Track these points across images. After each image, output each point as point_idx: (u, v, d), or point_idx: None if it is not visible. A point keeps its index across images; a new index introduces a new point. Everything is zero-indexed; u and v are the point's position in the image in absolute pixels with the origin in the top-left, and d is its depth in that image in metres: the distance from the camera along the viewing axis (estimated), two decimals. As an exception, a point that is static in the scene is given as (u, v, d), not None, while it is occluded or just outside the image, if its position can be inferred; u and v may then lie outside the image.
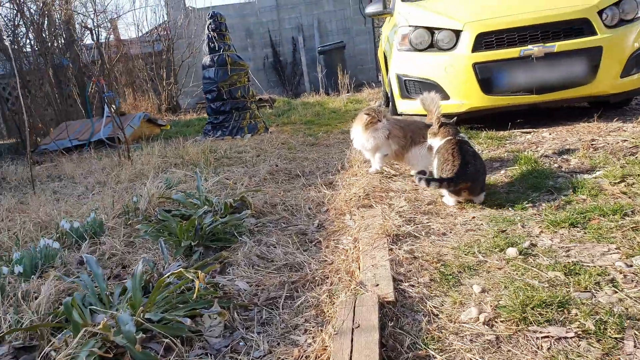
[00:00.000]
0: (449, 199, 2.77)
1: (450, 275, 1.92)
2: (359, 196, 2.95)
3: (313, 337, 1.59)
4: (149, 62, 11.14)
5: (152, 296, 1.58)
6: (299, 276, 2.11)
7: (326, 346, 1.48)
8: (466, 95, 4.53)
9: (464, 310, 1.65)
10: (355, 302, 1.66)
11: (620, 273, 1.75)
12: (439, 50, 4.65)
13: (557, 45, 4.22)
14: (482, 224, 2.42)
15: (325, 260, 2.26)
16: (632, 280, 1.69)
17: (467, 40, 4.45)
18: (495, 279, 1.84)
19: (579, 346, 1.38)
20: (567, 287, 1.70)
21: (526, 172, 3.09)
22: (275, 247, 2.46)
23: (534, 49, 4.25)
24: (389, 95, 5.67)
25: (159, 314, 1.54)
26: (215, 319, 1.66)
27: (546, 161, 3.31)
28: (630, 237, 2.02)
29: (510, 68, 4.36)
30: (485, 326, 1.53)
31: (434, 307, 1.70)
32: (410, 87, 4.88)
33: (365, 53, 13.40)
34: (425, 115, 4.69)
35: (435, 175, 2.90)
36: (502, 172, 3.26)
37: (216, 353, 1.55)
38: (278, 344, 1.60)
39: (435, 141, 3.02)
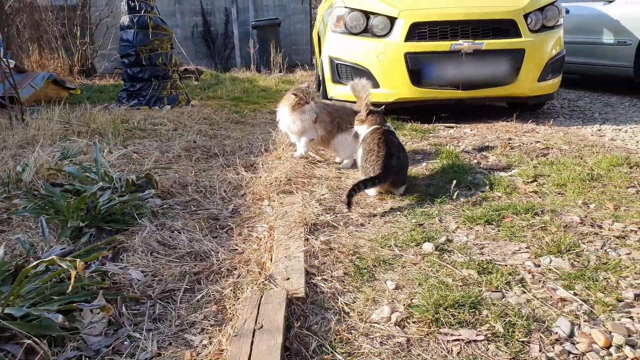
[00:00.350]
0: (370, 189, 2.70)
1: (365, 269, 1.83)
2: (280, 181, 2.80)
3: (210, 338, 1.43)
4: (60, 17, 10.14)
5: (14, 287, 1.33)
6: (203, 266, 1.93)
7: (222, 349, 1.33)
8: (396, 85, 4.51)
9: (376, 309, 1.56)
10: (260, 299, 1.52)
11: (529, 273, 1.76)
12: (373, 36, 4.58)
13: (486, 43, 4.30)
14: (400, 216, 2.36)
15: (236, 250, 2.09)
16: (540, 281, 1.70)
17: (401, 28, 4.41)
18: (410, 275, 1.78)
19: (487, 350, 1.34)
20: (479, 287, 1.67)
21: (447, 166, 3.10)
22: (180, 233, 2.25)
23: (464, 44, 4.29)
24: (321, 78, 5.54)
25: (24, 309, 1.30)
26: (98, 313, 1.44)
27: (466, 157, 3.34)
28: (539, 236, 2.05)
29: (440, 61, 4.38)
30: (397, 327, 1.46)
31: (345, 304, 1.60)
32: (342, 71, 4.77)
33: (301, 33, 13.14)
34: (355, 102, 4.64)
35: (358, 163, 2.82)
36: (424, 164, 3.25)
37: (93, 355, 1.34)
38: (169, 344, 1.42)
39: (362, 128, 2.94)
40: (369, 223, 2.29)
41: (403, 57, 4.39)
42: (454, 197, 2.56)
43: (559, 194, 2.55)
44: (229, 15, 12.84)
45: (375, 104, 3.09)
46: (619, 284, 1.64)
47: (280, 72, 10.50)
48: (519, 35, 4.36)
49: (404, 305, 1.56)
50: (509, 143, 3.59)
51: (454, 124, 4.50)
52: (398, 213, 2.41)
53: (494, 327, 1.42)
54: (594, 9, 6.06)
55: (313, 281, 1.73)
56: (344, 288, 1.71)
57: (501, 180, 2.78)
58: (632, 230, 2.04)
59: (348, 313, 1.56)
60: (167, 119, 5.25)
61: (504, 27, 4.37)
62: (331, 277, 1.77)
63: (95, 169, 2.74)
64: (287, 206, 2.45)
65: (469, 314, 1.49)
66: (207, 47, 12.92)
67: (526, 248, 1.95)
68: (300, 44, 13.36)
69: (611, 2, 5.87)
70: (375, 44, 4.54)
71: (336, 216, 2.35)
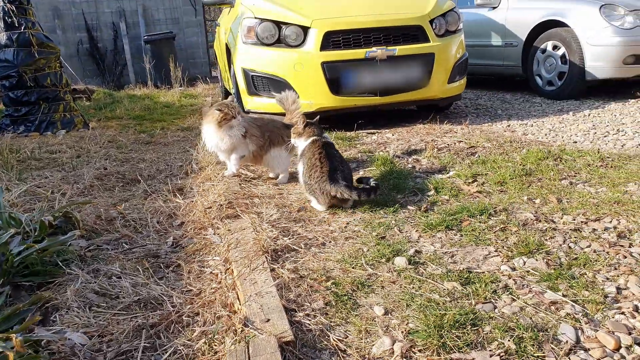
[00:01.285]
0: (318, 205, 2.54)
1: (344, 295, 1.67)
2: (220, 204, 2.53)
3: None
4: None
5: None
6: (159, 316, 1.63)
7: None
8: (315, 94, 4.40)
9: (374, 342, 1.41)
10: (248, 352, 1.29)
11: (509, 278, 1.71)
12: (287, 46, 4.44)
13: (398, 49, 4.36)
14: (359, 230, 2.23)
15: (191, 291, 1.81)
16: (523, 285, 1.66)
17: (315, 37, 4.32)
18: (394, 296, 1.65)
19: (508, 372, 1.24)
20: (468, 299, 1.59)
21: (385, 172, 3.04)
22: (119, 278, 1.91)
23: (378, 51, 4.31)
24: (235, 92, 5.28)
25: None
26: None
27: (399, 161, 3.32)
28: (503, 238, 2.03)
29: (357, 69, 4.36)
30: (405, 360, 1.31)
31: (338, 340, 1.43)
32: (259, 83, 4.57)
33: (197, 46, 12.64)
34: (277, 114, 4.45)
35: (301, 179, 2.65)
36: (361, 172, 3.17)
37: None
38: None
39: (300, 141, 2.78)
40: (330, 241, 2.13)
41: (320, 67, 4.31)
42: (403, 204, 2.49)
43: (502, 191, 2.59)
44: (117, 30, 11.99)
45: (308, 115, 2.95)
46: (596, 279, 1.65)
47: (180, 86, 9.99)
48: (427, 40, 4.49)
49: (402, 332, 1.43)
50: (435, 145, 3.63)
51: (375, 130, 4.51)
52: (355, 227, 2.27)
53: (504, 344, 1.33)
54: (482, 15, 6.49)
55: (296, 319, 1.53)
56: (331, 321, 1.53)
57: (442, 182, 2.77)
58: (582, 222, 2.10)
59: (345, 351, 1.38)
60: (66, 145, 4.66)
61: (413, 33, 4.47)
62: (313, 310, 1.58)
63: (-2, 212, 2.26)
64: (237, 233, 2.20)
65: (473, 332, 1.39)
66: (96, 65, 11.95)
67: (495, 251, 1.92)
68: (197, 56, 12.85)
69: (495, 8, 6.32)
70: (290, 54, 4.41)
71: (294, 238, 2.15)
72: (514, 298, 1.58)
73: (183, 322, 1.60)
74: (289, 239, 2.13)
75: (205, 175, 3.20)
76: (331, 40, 4.33)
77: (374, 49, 4.32)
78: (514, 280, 1.69)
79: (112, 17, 11.94)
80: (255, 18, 4.51)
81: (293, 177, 3.17)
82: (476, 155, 3.28)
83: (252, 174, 3.30)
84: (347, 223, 2.34)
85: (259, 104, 4.60)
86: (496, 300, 1.58)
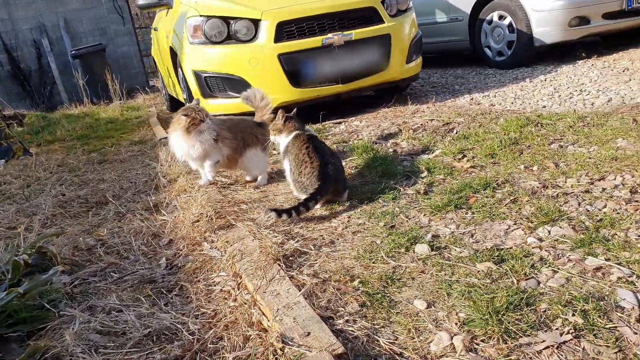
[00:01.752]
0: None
1: (377, 293, 1.56)
2: (208, 216, 2.34)
3: None
4: None
5: None
6: (179, 348, 1.46)
7: None
8: (275, 89, 4.22)
9: (429, 339, 1.31)
10: (305, 373, 1.15)
11: (541, 249, 1.66)
12: (239, 42, 4.24)
13: (354, 33, 4.27)
14: (364, 223, 2.13)
15: (205, 313, 1.64)
16: (559, 255, 1.61)
17: (267, 30, 4.15)
18: (429, 287, 1.56)
19: (584, 349, 1.18)
20: (508, 278, 1.52)
21: (369, 160, 2.95)
22: (120, 312, 1.70)
23: (334, 37, 4.21)
24: (186, 96, 5.01)
25: None
26: None
27: (380, 147, 3.24)
28: (516, 209, 1.99)
29: (315, 58, 4.23)
30: (472, 354, 1.22)
31: (390, 343, 1.32)
32: (213, 84, 4.35)
33: (130, 56, 12.04)
34: (238, 115, 4.25)
35: (289, 177, 2.51)
36: (344, 163, 3.06)
37: None
38: None
39: (281, 138, 2.63)
40: (338, 239, 2.01)
41: (277, 59, 4.15)
42: (400, 189, 2.41)
43: (495, 163, 2.56)
44: (40, 48, 11.21)
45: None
46: (629, 237, 1.63)
47: (120, 99, 9.48)
48: (381, 21, 4.42)
49: (456, 324, 1.33)
50: (409, 126, 3.58)
51: (340, 119, 4.41)
52: (359, 220, 2.17)
53: (568, 320, 1.27)
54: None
55: (337, 327, 1.40)
56: (374, 324, 1.41)
57: (432, 162, 2.71)
58: (588, 183, 2.10)
59: (402, 354, 1.27)
60: (10, 175, 4.25)
61: (367, 15, 4.39)
62: (349, 315, 1.46)
63: (-42, 260, 1.97)
64: (237, 243, 2.04)
65: (531, 312, 1.32)
66: (22, 87, 11.13)
67: (514, 224, 1.87)
68: (131, 67, 12.25)
69: (436, -15, 6.37)
70: (243, 49, 4.22)
71: (300, 241, 2.01)
72: (555, 270, 1.52)
73: (209, 350, 1.43)
74: (296, 242, 1.99)
75: (179, 187, 2.98)
76: (285, 30, 4.17)
77: (330, 35, 4.21)
78: (546, 251, 1.64)
79: (32, 33, 11.15)
80: (201, 16, 4.28)
81: (271, 178, 3.02)
82: (455, 131, 3.25)
83: (228, 180, 3.12)
84: (349, 217, 2.23)
85: (216, 105, 4.38)
86: (537, 274, 1.52)
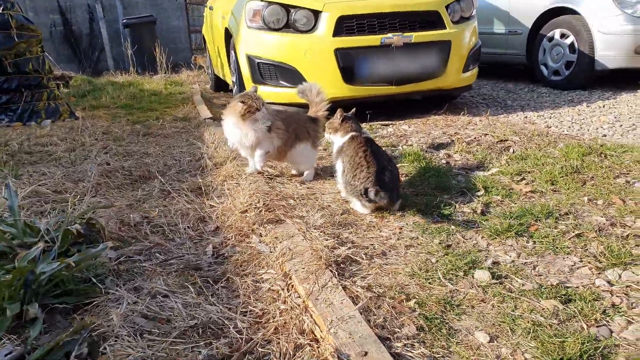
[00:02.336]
0: (362, 208, 2.34)
1: (435, 318, 1.48)
2: (257, 207, 2.30)
3: None
4: None
5: None
6: (226, 346, 1.41)
7: None
8: (327, 83, 4.12)
9: (495, 377, 1.23)
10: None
11: (612, 294, 1.56)
12: (297, 32, 4.18)
13: (414, 36, 4.16)
14: (417, 237, 2.05)
15: (253, 312, 1.59)
16: (632, 305, 1.50)
17: (327, 22, 4.07)
18: (490, 318, 1.47)
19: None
20: (577, 321, 1.42)
21: (421, 169, 2.86)
22: (166, 297, 1.67)
23: (394, 37, 4.10)
24: (236, 79, 4.99)
25: None
26: None
27: (430, 157, 3.14)
28: (582, 245, 1.88)
29: (372, 56, 4.14)
30: (543, 403, 1.14)
31: (451, 376, 1.24)
32: (265, 71, 4.30)
33: (178, 30, 12.14)
34: (285, 104, 4.20)
35: (340, 178, 2.44)
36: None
37: None
38: None
39: (336, 138, 2.57)
40: (390, 251, 1.94)
41: (333, 54, 4.07)
42: (455, 206, 2.32)
43: (555, 191, 2.44)
44: (93, 13, 11.38)
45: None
46: None
47: (165, 73, 9.55)
48: (443, 26, 4.29)
49: (524, 364, 1.25)
50: (463, 139, 3.46)
51: (388, 122, 4.31)
52: (411, 233, 2.09)
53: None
54: (484, 1, 6.33)
55: (395, 350, 1.33)
56: (433, 352, 1.34)
57: (488, 181, 2.61)
58: (661, 226, 1.97)
59: (465, 389, 1.20)
60: (57, 137, 4.31)
61: (430, 19, 4.27)
62: (407, 338, 1.39)
63: (12, 219, 1.97)
64: (286, 240, 1.98)
65: (606, 364, 1.23)
66: (71, 49, 11.34)
67: (581, 262, 1.76)
68: (179, 42, 12.35)
69: (498, -6, 6.17)
70: (300, 40, 4.15)
71: (351, 247, 1.95)
72: (630, 320, 1.42)
73: (257, 353, 1.38)
74: (347, 248, 1.92)
75: (225, 172, 2.94)
76: (344, 25, 4.09)
77: (389, 35, 4.11)
78: (618, 297, 1.54)
79: (86, -2, 11.33)
80: (262, 1, 4.22)
81: (317, 174, 2.96)
82: (511, 150, 3.13)
83: (274, 171, 3.07)
84: (400, 228, 2.15)
85: (266, 93, 4.33)
86: (609, 322, 1.42)
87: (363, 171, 2.28)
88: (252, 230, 2.15)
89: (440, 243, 1.96)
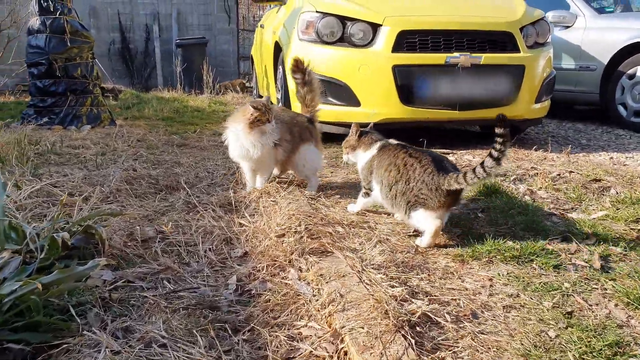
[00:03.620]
0: (429, 215, 1.79)
1: None
2: (297, 232, 1.75)
3: None
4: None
5: None
6: None
7: None
8: (381, 103, 3.65)
9: None
10: None
11: None
12: (352, 46, 3.70)
13: (484, 57, 3.60)
14: (517, 295, 1.44)
15: (286, 390, 1.02)
16: None
17: (387, 37, 3.58)
18: None
19: None
20: None
21: (502, 205, 2.24)
22: (163, 348, 1.13)
23: (460, 57, 3.56)
24: (282, 95, 4.55)
25: None
26: None
27: (511, 191, 2.53)
28: None
29: (434, 77, 3.60)
30: None
31: None
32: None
33: (228, 54, 12.04)
34: (335, 124, 3.70)
35: (383, 196, 1.95)
36: (463, 201, 2.37)
37: None
38: None
39: (358, 155, 2.13)
40: (483, 312, 1.34)
41: (391, 71, 3.55)
42: (558, 254, 1.70)
43: (695, 245, 1.78)
44: (150, 33, 11.45)
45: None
46: None
47: (210, 93, 9.33)
48: (517, 49, 3.72)
49: None
50: (545, 174, 2.83)
51: (448, 150, 3.72)
52: (507, 288, 1.48)
53: None
54: (553, 34, 5.73)
55: None
56: None
57: (596, 226, 1.97)
58: None
59: None
60: (91, 140, 3.94)
61: (501, 40, 3.72)
62: None
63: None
64: (334, 280, 1.42)
65: None
66: (126, 66, 11.39)
67: None
68: (228, 65, 12.23)
69: (569, 27, 5.57)
70: (355, 54, 3.67)
71: (425, 299, 1.36)
72: None
73: None
74: (422, 301, 1.33)
75: (263, 188, 2.42)
76: (405, 41, 3.58)
77: (456, 54, 3.56)
78: None
79: (146, 19, 11.43)
80: (317, 12, 3.78)
81: (349, 193, 2.39)
82: (613, 192, 2.47)
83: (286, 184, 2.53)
84: (491, 279, 1.54)
85: (314, 110, 3.85)
86: None
87: (416, 168, 1.82)
88: (290, 262, 1.59)
89: (555, 307, 1.35)
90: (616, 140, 4.48)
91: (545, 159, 3.41)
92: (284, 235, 1.74)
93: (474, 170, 1.69)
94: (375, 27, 3.63)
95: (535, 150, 3.66)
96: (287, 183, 2.52)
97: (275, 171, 2.69)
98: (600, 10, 5.68)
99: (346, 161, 2.23)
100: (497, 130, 1.62)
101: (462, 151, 3.69)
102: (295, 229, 1.77)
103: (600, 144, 4.27)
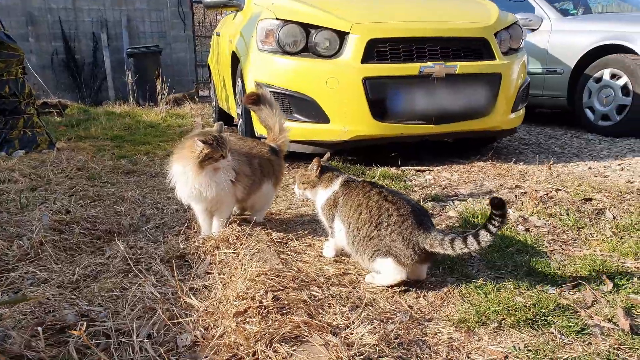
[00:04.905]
0: (396, 268, 1.58)
1: None
2: (263, 305, 1.37)
3: None
4: None
5: None
6: None
7: None
8: (352, 119, 3.32)
9: None
10: None
11: None
12: (317, 56, 3.36)
13: (459, 66, 3.34)
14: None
15: None
16: None
17: (355, 46, 3.26)
18: None
19: None
20: None
21: (497, 241, 1.95)
22: None
23: (435, 67, 3.28)
24: (241, 112, 4.15)
25: None
26: None
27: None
28: None
29: (408, 89, 3.31)
30: None
31: None
32: (277, 101, 3.43)
33: (184, 63, 11.48)
34: (304, 143, 3.35)
35: (347, 240, 1.70)
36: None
37: None
38: None
39: (317, 193, 1.84)
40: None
41: (361, 83, 3.24)
42: (579, 312, 1.40)
43: None
44: (97, 42, 10.75)
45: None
46: None
47: (166, 104, 8.78)
48: (492, 57, 3.48)
49: None
50: (533, 195, 2.57)
51: (424, 167, 3.44)
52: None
53: None
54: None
55: None
56: None
57: (608, 266, 1.69)
58: None
59: None
60: (20, 171, 3.41)
61: (476, 47, 3.47)
62: None
63: None
64: (314, 388, 1.05)
65: None
66: (72, 78, 10.64)
67: None
68: (184, 74, 11.67)
69: (534, 30, 5.43)
70: (321, 66, 3.33)
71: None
72: None
73: None
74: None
75: (221, 234, 2.03)
76: (376, 50, 3.27)
77: (430, 64, 3.28)
78: None
79: (92, 27, 10.71)
80: (277, 19, 3.42)
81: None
82: (608, 215, 2.23)
83: (280, 234, 2.16)
84: (506, 356, 1.22)
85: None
86: None
87: (392, 215, 1.56)
88: (253, 354, 1.21)
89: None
90: (587, 145, 4.33)
91: (526, 173, 3.17)
92: (245, 311, 1.36)
93: (465, 239, 1.46)
94: (342, 35, 3.30)
95: (515, 163, 3.43)
96: (249, 223, 2.13)
97: (235, 208, 2.32)
98: (565, 13, 5.58)
99: (299, 196, 1.96)
100: (495, 211, 1.40)
101: (437, 168, 3.41)
102: (260, 300, 1.40)
103: (574, 152, 4.10)
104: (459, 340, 1.30)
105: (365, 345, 1.22)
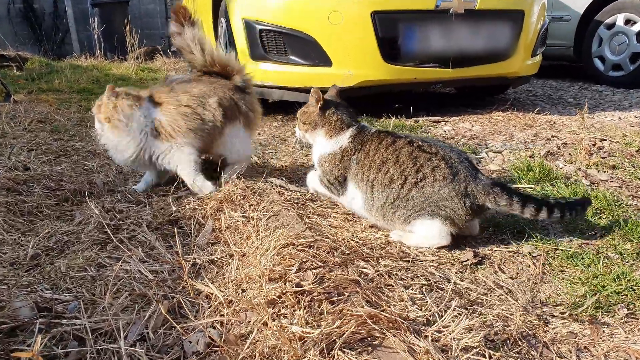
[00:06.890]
0: (442, 229, 1.26)
1: None
2: (303, 291, 0.94)
3: None
4: None
5: None
6: None
7: None
8: (359, 61, 2.84)
9: None
10: None
11: None
12: (316, -12, 2.82)
13: (479, 1, 2.87)
14: None
15: None
16: None
17: (362, -26, 2.74)
18: None
19: None
20: None
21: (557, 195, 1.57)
22: None
23: (453, 0, 2.80)
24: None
25: None
26: None
27: (556, 173, 1.85)
28: None
29: (423, 25, 2.84)
30: None
31: None
32: (270, 41, 2.92)
33: (154, 15, 10.57)
34: (302, 90, 2.87)
35: (367, 205, 1.33)
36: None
37: None
38: None
39: (320, 138, 1.36)
40: None
41: (370, 19, 2.74)
42: None
43: None
44: (57, -10, 9.72)
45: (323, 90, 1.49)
46: None
47: (137, 58, 8.01)
48: (514, -9, 3.03)
49: None
50: (582, 146, 2.18)
51: (439, 117, 3.02)
52: None
53: None
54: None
55: None
56: None
57: None
58: None
59: None
60: (-32, 125, 2.83)
61: (497, -20, 2.99)
62: None
63: None
64: None
65: None
66: (32, 29, 9.64)
67: None
68: (154, 27, 10.77)
69: (539, -26, 4.94)
70: (322, -2, 2.80)
71: None
72: None
73: None
74: None
75: (225, 192, 1.57)
76: (386, -19, 2.76)
77: (447, -3, 2.80)
78: None
79: (51, -27, 9.66)
80: (269, -56, 2.85)
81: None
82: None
83: (292, 193, 1.72)
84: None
85: (269, 72, 2.97)
86: None
87: (439, 167, 1.24)
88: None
89: None
90: (601, 97, 3.99)
91: (555, 123, 2.79)
92: (280, 298, 0.93)
93: (538, 209, 1.17)
94: (345, -37, 2.77)
95: (538, 113, 3.05)
96: (256, 180, 1.67)
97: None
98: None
99: (299, 138, 1.53)
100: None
101: (454, 118, 3.00)
102: (297, 282, 0.97)
103: (592, 103, 3.74)
104: (583, 336, 0.91)
105: (467, 350, 0.81)
